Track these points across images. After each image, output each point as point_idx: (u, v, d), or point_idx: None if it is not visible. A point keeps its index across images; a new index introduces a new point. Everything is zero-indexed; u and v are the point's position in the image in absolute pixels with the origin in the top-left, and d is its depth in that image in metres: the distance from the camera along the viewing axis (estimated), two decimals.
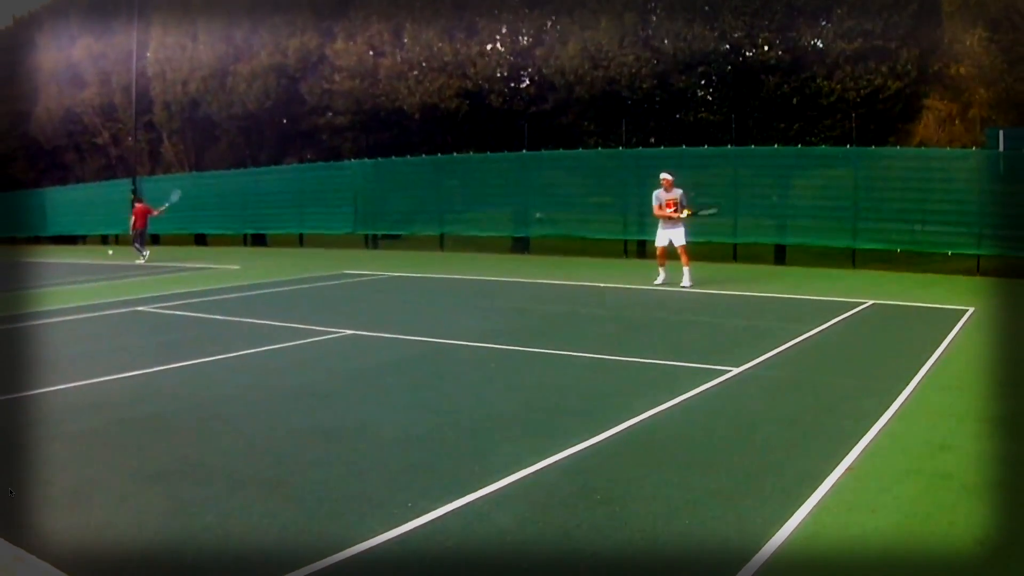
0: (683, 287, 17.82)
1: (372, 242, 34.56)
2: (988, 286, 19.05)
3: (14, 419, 8.14)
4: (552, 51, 31.29)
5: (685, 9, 28.28)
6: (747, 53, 27.91)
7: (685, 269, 18.35)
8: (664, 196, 18.59)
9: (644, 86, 28.91)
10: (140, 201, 31.10)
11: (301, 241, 36.45)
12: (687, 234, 18.71)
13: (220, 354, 11.34)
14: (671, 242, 18.45)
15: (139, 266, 27.58)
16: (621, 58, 28.91)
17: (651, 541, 4.79)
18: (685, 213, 18.46)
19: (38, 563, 1.91)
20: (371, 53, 34.87)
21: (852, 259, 23.87)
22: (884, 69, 25.93)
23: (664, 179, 18.68)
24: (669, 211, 18.44)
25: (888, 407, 8.00)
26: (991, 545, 4.92)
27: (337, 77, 35.19)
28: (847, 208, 23.81)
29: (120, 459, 6.79)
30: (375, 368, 10.51)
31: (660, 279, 18.57)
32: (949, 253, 22.51)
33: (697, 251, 25.55)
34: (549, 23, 32.41)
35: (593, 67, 29.61)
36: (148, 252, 29.63)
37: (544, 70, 31.95)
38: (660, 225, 18.77)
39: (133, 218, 30.21)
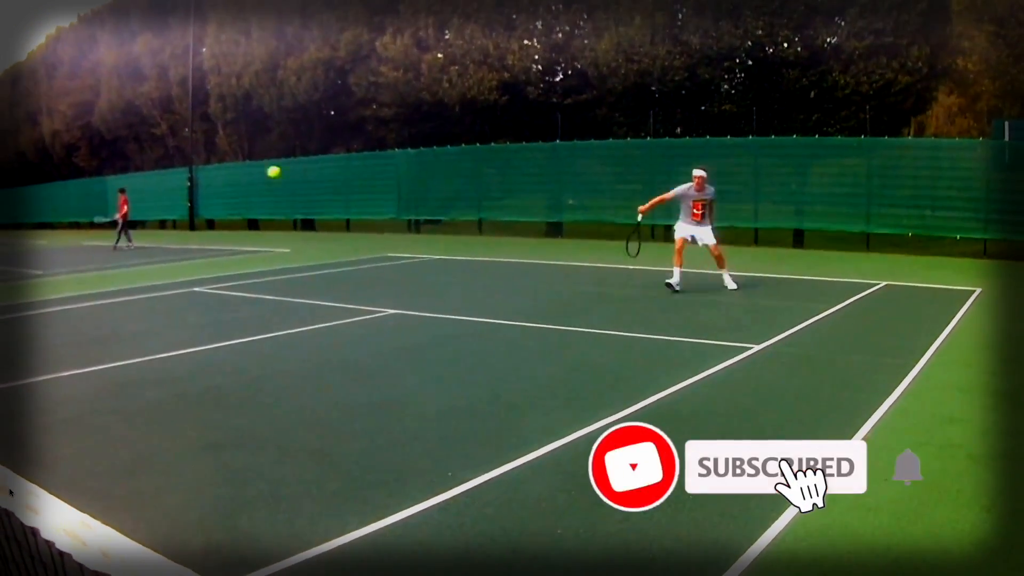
0: (729, 289, 14.79)
1: (414, 227, 34.61)
2: (994, 268, 18.96)
3: (81, 392, 8.23)
4: (587, 45, 31.39)
5: (711, 7, 28.43)
6: (768, 49, 28.08)
7: (724, 274, 15.17)
8: (693, 195, 15.22)
9: (675, 79, 29.02)
10: (123, 193, 30.92)
11: (348, 226, 36.50)
12: (715, 231, 15.53)
13: (272, 332, 11.42)
14: (694, 239, 15.23)
15: (137, 249, 27.94)
16: (652, 52, 28.98)
17: (677, 507, 4.78)
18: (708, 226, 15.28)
19: (102, 527, 1.92)
20: (416, 48, 34.91)
21: (866, 243, 23.84)
22: (895, 64, 26.09)
23: (697, 176, 15.21)
24: (692, 214, 15.25)
25: (900, 382, 7.99)
26: (997, 511, 4.93)
27: (384, 68, 35.26)
28: (861, 195, 23.87)
29: (178, 430, 6.87)
30: (417, 345, 10.54)
31: (675, 278, 14.86)
32: (957, 237, 22.42)
33: (720, 235, 25.55)
34: (583, 20, 32.38)
35: (627, 60, 29.71)
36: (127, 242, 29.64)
37: (579, 62, 32.03)
38: (682, 217, 15.41)
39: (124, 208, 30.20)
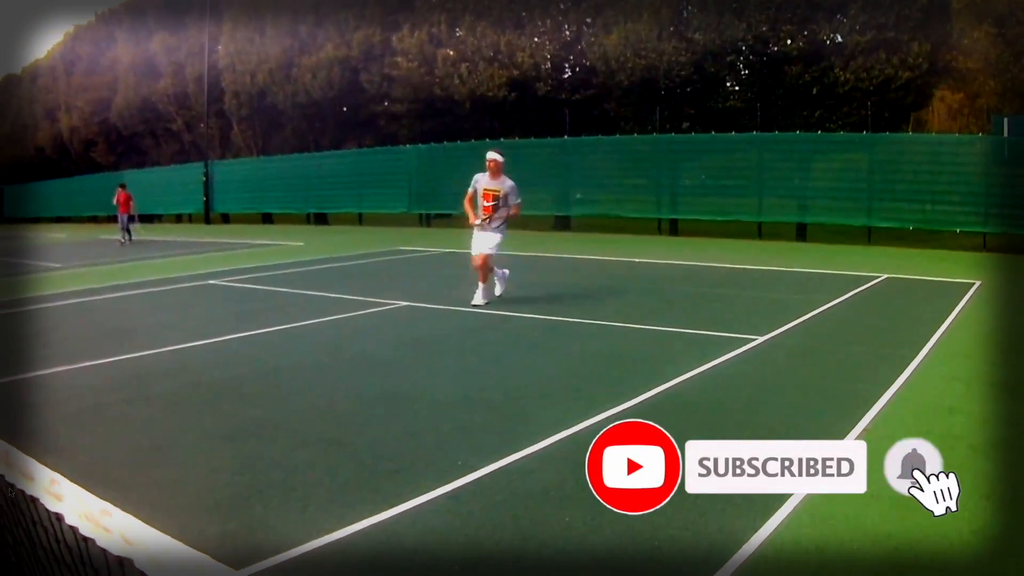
0: (473, 305, 12.35)
1: (425, 220, 34.64)
2: (994, 261, 18.92)
3: (99, 383, 8.26)
4: (596, 40, 31.41)
5: (716, 3, 28.52)
6: (771, 46, 28.10)
7: (480, 284, 12.56)
8: (484, 184, 12.77)
9: (681, 74, 29.06)
10: (124, 188, 30.82)
11: (360, 220, 36.53)
12: (502, 240, 12.87)
13: (286, 323, 11.44)
14: (486, 250, 12.68)
15: (132, 244, 27.89)
16: (659, 48, 29.03)
17: (681, 495, 4.79)
18: (497, 219, 12.72)
19: (122, 515, 1.94)
20: (431, 43, 34.94)
21: (868, 236, 23.85)
22: (896, 60, 26.12)
23: (490, 160, 12.78)
24: (483, 208, 12.64)
25: (901, 373, 7.99)
26: (997, 500, 4.94)
27: (400, 60, 35.35)
28: (863, 189, 23.93)
29: (196, 419, 6.90)
30: (428, 337, 10.56)
31: (480, 291, 12.54)
32: (957, 231, 22.50)
33: (724, 229, 25.55)
34: (591, 17, 32.37)
35: (634, 55, 29.74)
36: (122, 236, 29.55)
37: (587, 58, 32.08)
38: (475, 227, 12.76)
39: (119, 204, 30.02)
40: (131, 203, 29.80)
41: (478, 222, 12.64)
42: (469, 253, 13.03)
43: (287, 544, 4.50)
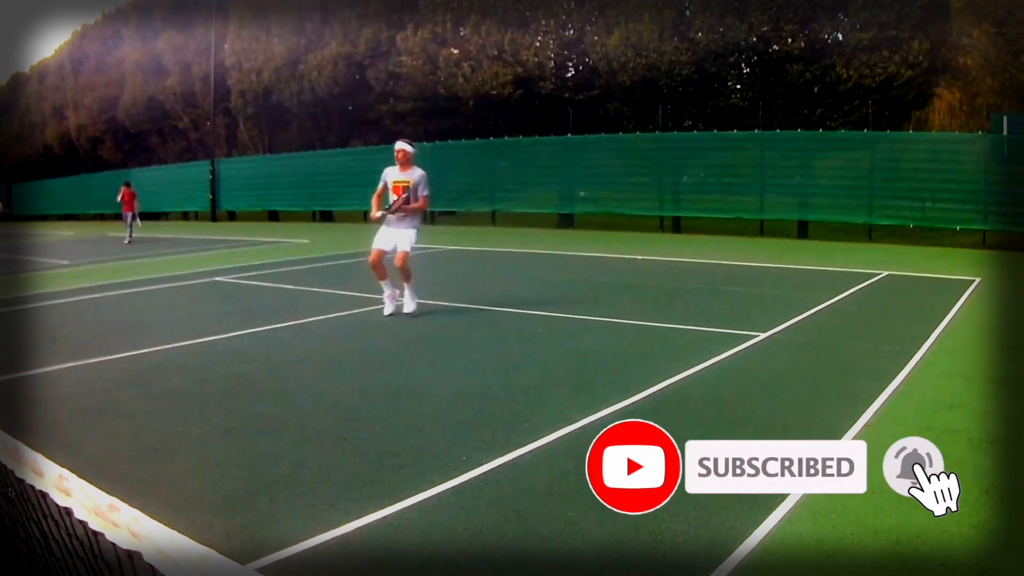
0: (404, 312, 11.42)
1: (429, 218, 34.63)
2: (993, 258, 18.91)
3: (107, 379, 8.25)
4: (598, 40, 31.49)
5: (718, 3, 28.68)
6: (773, 45, 28.24)
7: (405, 287, 11.45)
8: (392, 177, 11.43)
9: (683, 74, 29.12)
10: (129, 186, 30.61)
11: (365, 217, 36.52)
12: (417, 237, 11.57)
13: (292, 320, 11.44)
14: (392, 248, 11.42)
15: (130, 244, 27.66)
16: (661, 48, 29.11)
17: (683, 490, 4.80)
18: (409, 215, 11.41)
19: (129, 510, 1.95)
20: (434, 42, 34.99)
21: (868, 234, 23.89)
22: (897, 58, 26.26)
23: (397, 150, 11.41)
24: (392, 203, 11.30)
25: (901, 369, 7.99)
26: (996, 494, 4.95)
27: (404, 59, 35.39)
28: (864, 187, 24.00)
29: (202, 415, 6.89)
30: (433, 333, 10.54)
31: (386, 296, 11.66)
32: (957, 228, 22.53)
33: (726, 226, 25.56)
34: (594, 16, 32.43)
35: (636, 55, 29.79)
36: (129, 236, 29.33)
37: (590, 57, 32.14)
38: (384, 221, 11.48)
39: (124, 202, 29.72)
40: (135, 201, 29.68)
41: (379, 214, 11.38)
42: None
43: (293, 538, 4.50)
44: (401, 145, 11.42)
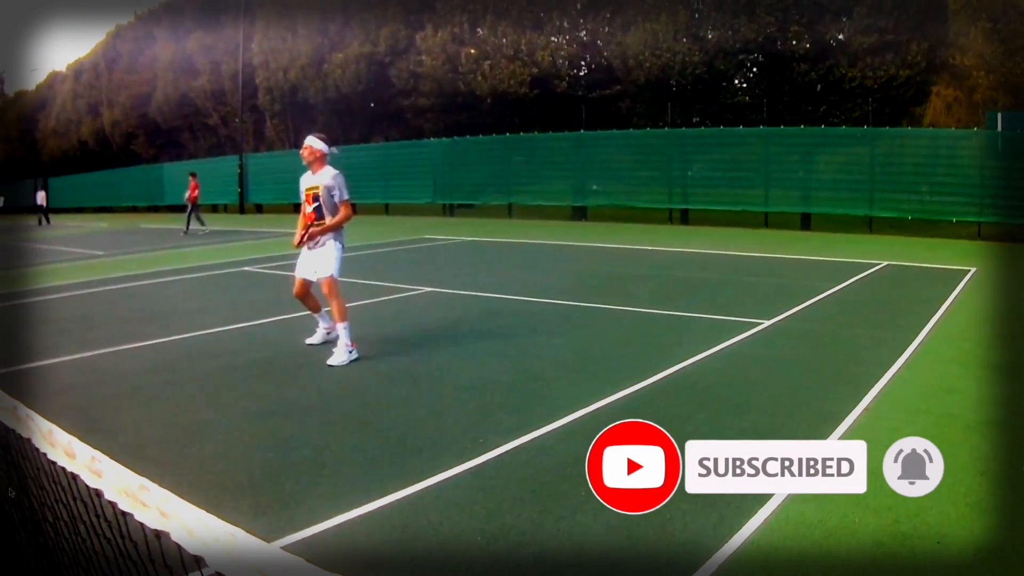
0: (308, 343, 8.94)
1: (449, 211, 34.67)
2: (988, 249, 18.86)
3: (139, 365, 8.30)
4: (615, 39, 31.58)
5: (728, 4, 28.86)
6: (779, 45, 28.37)
7: (324, 313, 8.91)
8: (304, 183, 8.56)
9: (694, 72, 29.20)
10: (194, 177, 29.87)
11: (387, 210, 36.57)
12: (340, 261, 8.50)
13: None
14: (315, 274, 8.48)
15: (206, 233, 27.44)
16: (675, 47, 29.20)
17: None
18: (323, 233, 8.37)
19: (159, 490, 1.95)
20: (453, 43, 35.01)
21: (869, 225, 23.83)
22: (897, 60, 26.46)
23: (304, 147, 8.46)
24: (303, 217, 8.52)
25: (900, 355, 7.99)
26: (991, 476, 4.97)
27: (425, 58, 35.43)
28: (865, 181, 23.98)
29: (230, 400, 6.92)
30: (451, 321, 10.55)
31: (316, 334, 9.00)
32: (954, 220, 22.52)
33: (731, 218, 25.51)
34: (608, 15, 32.43)
35: (652, 54, 29.92)
36: (200, 225, 28.92)
37: (606, 56, 32.23)
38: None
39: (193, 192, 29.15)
40: (197, 193, 29.17)
41: (295, 241, 8.64)
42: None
43: (318, 517, 4.52)
44: (308, 142, 8.50)
